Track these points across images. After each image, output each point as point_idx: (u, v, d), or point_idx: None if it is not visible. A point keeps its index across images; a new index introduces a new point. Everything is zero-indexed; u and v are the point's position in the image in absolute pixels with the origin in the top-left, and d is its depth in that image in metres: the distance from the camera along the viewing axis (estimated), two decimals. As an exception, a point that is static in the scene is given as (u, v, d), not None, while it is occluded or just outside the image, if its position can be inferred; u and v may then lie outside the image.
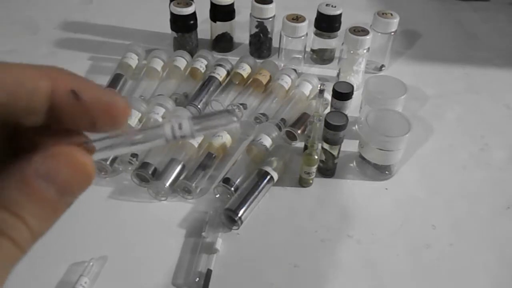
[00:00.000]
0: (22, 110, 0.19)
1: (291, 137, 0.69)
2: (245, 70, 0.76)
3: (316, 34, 0.83)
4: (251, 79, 0.76)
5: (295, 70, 0.78)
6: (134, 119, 0.65)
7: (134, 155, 0.62)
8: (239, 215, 0.56)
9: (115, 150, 0.20)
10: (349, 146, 0.67)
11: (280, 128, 0.67)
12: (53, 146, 0.19)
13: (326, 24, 0.80)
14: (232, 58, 0.80)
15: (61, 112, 0.19)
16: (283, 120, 0.69)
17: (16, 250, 0.18)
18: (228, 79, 0.77)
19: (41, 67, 0.19)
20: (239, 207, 0.57)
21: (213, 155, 0.62)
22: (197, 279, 0.52)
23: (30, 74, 0.19)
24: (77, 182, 0.19)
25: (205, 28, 0.87)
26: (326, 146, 0.62)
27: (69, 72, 0.20)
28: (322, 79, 0.79)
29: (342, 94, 0.67)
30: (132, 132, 0.21)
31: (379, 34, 0.79)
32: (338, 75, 0.81)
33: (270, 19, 0.82)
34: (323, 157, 0.63)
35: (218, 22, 0.84)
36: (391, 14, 0.79)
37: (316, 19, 0.81)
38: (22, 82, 0.18)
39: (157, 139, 0.21)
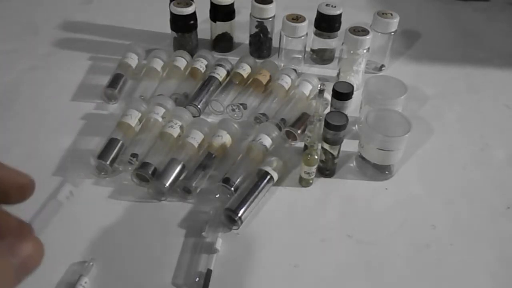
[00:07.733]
0: None
1: (291, 137, 0.69)
2: (245, 70, 0.76)
3: (316, 34, 0.83)
4: (251, 79, 0.76)
5: (295, 70, 0.78)
6: (134, 119, 0.65)
7: (134, 155, 0.62)
8: (239, 215, 0.56)
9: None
10: (349, 146, 0.67)
11: (280, 128, 0.67)
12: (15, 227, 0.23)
13: (326, 24, 0.80)
14: (232, 58, 0.80)
15: None
16: (283, 120, 0.69)
17: None
18: (228, 79, 0.77)
19: None
20: (239, 207, 0.57)
21: (213, 155, 0.62)
22: (197, 279, 0.52)
23: None
24: (35, 259, 0.24)
25: (205, 28, 0.87)
26: (326, 146, 0.62)
27: None
28: (322, 79, 0.79)
29: (342, 94, 0.67)
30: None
31: (379, 34, 0.80)
32: (338, 75, 0.81)
33: (270, 19, 0.82)
34: (323, 157, 0.63)
35: (218, 22, 0.84)
36: (391, 14, 0.79)
37: (316, 19, 0.81)
38: None
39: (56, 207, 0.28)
